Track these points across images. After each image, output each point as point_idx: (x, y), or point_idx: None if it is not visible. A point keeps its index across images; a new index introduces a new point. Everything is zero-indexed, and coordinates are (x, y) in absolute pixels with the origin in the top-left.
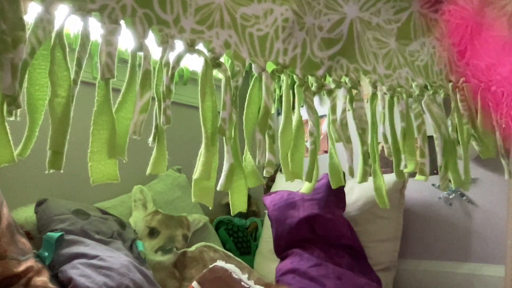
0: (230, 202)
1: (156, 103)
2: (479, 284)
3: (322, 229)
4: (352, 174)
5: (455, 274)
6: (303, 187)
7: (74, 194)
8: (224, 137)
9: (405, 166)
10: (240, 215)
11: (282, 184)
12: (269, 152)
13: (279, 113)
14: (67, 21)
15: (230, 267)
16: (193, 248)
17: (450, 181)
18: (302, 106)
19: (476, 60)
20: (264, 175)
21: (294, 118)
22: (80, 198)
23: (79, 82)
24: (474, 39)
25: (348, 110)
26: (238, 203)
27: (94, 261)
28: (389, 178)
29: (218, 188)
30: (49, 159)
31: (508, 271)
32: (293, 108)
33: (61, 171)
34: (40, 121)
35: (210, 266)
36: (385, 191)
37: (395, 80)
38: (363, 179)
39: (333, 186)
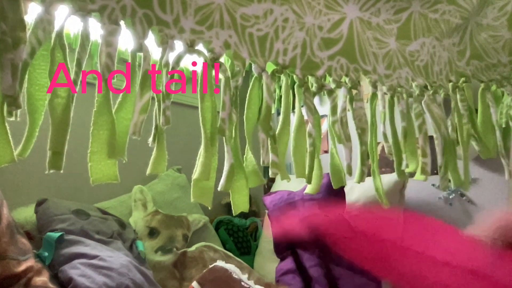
0: (231, 202)
1: (156, 103)
2: None
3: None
4: (350, 172)
5: None
6: (306, 188)
7: (74, 194)
8: (224, 137)
9: (407, 166)
10: (240, 215)
11: (282, 184)
12: (272, 152)
13: (279, 113)
14: (67, 22)
15: (230, 267)
16: (193, 248)
17: (450, 181)
18: (303, 106)
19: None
20: (270, 176)
21: (295, 118)
22: (80, 198)
23: (79, 83)
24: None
25: (348, 110)
26: (240, 203)
27: (94, 261)
28: (390, 178)
29: (219, 189)
30: (49, 159)
31: None
32: (294, 108)
33: (61, 171)
34: (40, 121)
35: (210, 266)
36: (382, 191)
37: (395, 80)
38: (361, 179)
39: (335, 186)
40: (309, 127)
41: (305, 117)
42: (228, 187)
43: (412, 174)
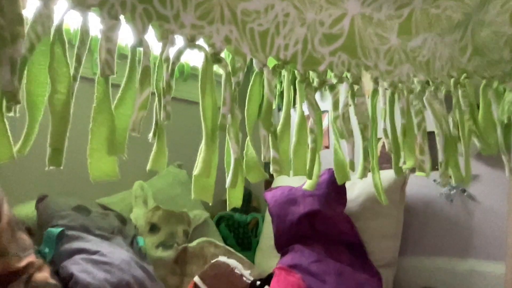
0: (227, 198)
1: (156, 99)
2: (479, 280)
3: (322, 225)
4: (353, 168)
5: (455, 270)
6: (305, 184)
7: (75, 191)
8: (227, 134)
9: (404, 163)
10: (241, 210)
11: (283, 179)
12: (273, 149)
13: (280, 109)
14: (67, 17)
15: (232, 262)
16: (194, 243)
17: (450, 177)
18: (304, 102)
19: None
20: (271, 172)
21: (297, 114)
22: (81, 194)
23: (78, 78)
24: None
25: (350, 105)
26: (234, 199)
27: (95, 257)
28: (391, 174)
29: (226, 186)
30: (49, 156)
31: (509, 267)
32: (294, 104)
33: (61, 168)
34: (40, 118)
35: (212, 261)
36: (381, 187)
37: (397, 76)
38: (363, 174)
39: (339, 182)
40: (310, 123)
41: (306, 113)
42: (235, 183)
43: (413, 170)
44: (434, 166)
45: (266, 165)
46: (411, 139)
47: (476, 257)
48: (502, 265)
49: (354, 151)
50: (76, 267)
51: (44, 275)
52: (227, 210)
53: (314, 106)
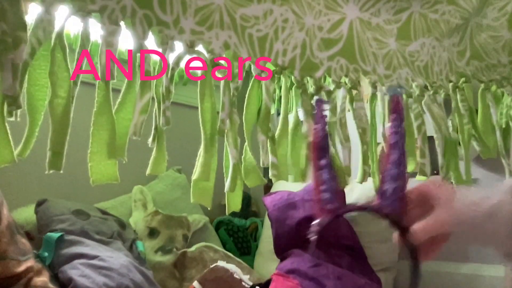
0: (226, 202)
1: (156, 103)
2: (479, 284)
3: (322, 230)
4: (349, 173)
5: (455, 274)
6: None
7: (74, 195)
8: (225, 138)
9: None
10: (240, 215)
11: (282, 184)
12: (271, 154)
13: (279, 114)
14: (67, 22)
15: (231, 267)
16: (193, 248)
17: (451, 181)
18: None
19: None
20: (270, 177)
21: (292, 119)
22: (80, 198)
23: (79, 83)
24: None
25: (348, 111)
26: (233, 203)
27: (94, 261)
28: None
29: (225, 190)
30: (49, 160)
31: (508, 271)
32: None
33: (61, 172)
34: (40, 122)
35: (211, 266)
36: None
37: (395, 81)
38: (363, 178)
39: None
40: (305, 129)
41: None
42: (233, 188)
43: (413, 175)
44: (433, 171)
45: (265, 170)
46: (411, 143)
47: (475, 261)
48: (502, 268)
49: (350, 156)
50: (75, 271)
51: (43, 279)
52: (226, 214)
53: (309, 112)
